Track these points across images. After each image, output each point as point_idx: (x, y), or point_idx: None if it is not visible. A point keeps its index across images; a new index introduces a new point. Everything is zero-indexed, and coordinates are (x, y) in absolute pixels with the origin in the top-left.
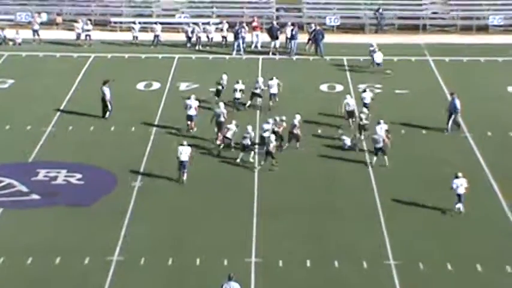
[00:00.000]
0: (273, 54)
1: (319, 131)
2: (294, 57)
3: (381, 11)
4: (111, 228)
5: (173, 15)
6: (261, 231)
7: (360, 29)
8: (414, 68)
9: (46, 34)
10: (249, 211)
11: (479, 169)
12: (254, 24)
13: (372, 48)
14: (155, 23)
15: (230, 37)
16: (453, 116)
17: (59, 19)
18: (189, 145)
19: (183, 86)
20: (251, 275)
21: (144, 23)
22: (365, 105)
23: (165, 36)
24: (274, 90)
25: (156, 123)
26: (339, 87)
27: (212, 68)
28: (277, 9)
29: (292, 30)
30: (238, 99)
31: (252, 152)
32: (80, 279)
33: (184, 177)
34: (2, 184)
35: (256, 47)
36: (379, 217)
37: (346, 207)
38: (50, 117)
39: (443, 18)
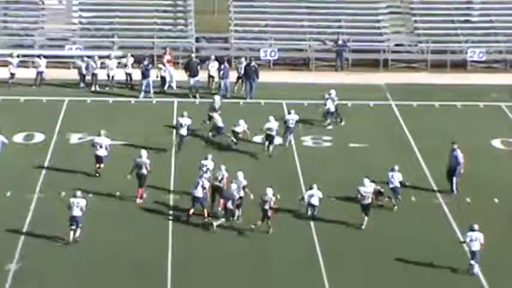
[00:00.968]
0: (193, 96)
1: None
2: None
3: (340, 42)
4: None
5: (62, 47)
6: None
7: (303, 64)
8: (373, 115)
9: None
10: None
11: (458, 251)
12: (167, 57)
13: (327, 96)
14: (38, 56)
15: (136, 75)
16: (456, 171)
17: None
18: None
19: (74, 138)
20: None
21: (24, 55)
22: None
23: (50, 73)
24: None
25: (38, 185)
26: (278, 140)
27: (113, 114)
28: (197, 39)
29: (222, 66)
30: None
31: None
32: None
33: (77, 234)
34: None
35: (170, 87)
36: None
37: None
38: None
39: (409, 51)
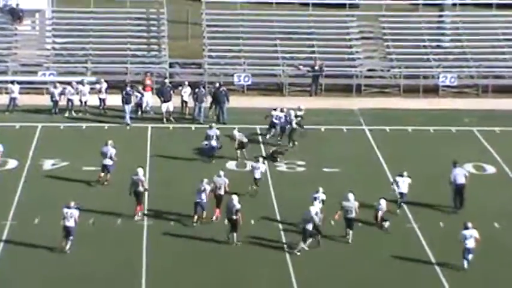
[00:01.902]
0: (167, 121)
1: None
2: (193, 127)
3: (317, 67)
4: None
5: (35, 72)
6: None
7: (277, 90)
8: (346, 140)
9: None
10: None
11: (432, 273)
12: (147, 82)
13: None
14: (12, 82)
15: (110, 100)
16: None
17: None
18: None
19: (47, 165)
20: None
21: None
22: None
23: (24, 99)
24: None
25: (10, 216)
26: (250, 165)
27: (87, 140)
28: (171, 65)
29: (197, 90)
30: None
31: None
32: None
33: (68, 246)
34: None
35: (146, 111)
36: None
37: None
38: None
39: (382, 76)
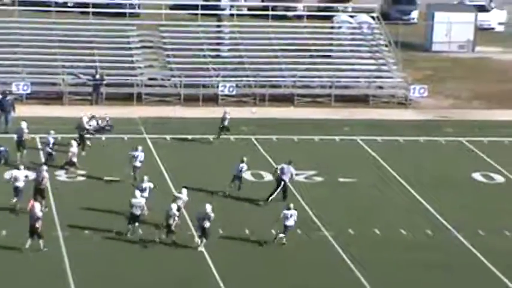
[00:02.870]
0: None
1: None
2: None
3: (98, 76)
4: None
5: None
6: None
7: (57, 98)
8: (127, 149)
9: None
10: None
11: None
12: None
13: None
14: None
15: None
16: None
17: None
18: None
19: None
20: None
21: None
22: None
23: None
24: None
25: None
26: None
27: None
28: None
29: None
30: None
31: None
32: None
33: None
34: None
35: None
36: None
37: None
38: None
39: (162, 85)
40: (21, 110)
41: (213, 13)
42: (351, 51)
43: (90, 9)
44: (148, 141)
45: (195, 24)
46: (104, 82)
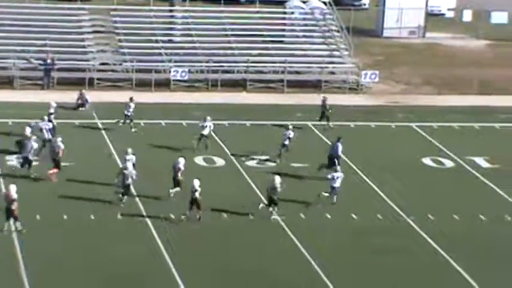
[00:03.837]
0: None
1: None
2: None
3: (49, 61)
4: None
5: None
6: None
7: (8, 82)
8: (80, 134)
9: None
10: None
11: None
12: None
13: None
14: None
15: None
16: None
17: None
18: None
19: None
20: None
21: None
22: None
23: None
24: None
25: None
26: None
27: None
28: None
29: None
30: None
31: None
32: None
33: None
34: None
35: None
36: None
37: None
38: None
39: (114, 70)
40: None
41: None
42: (304, 36)
43: None
44: (100, 126)
45: (147, 8)
46: (56, 67)
